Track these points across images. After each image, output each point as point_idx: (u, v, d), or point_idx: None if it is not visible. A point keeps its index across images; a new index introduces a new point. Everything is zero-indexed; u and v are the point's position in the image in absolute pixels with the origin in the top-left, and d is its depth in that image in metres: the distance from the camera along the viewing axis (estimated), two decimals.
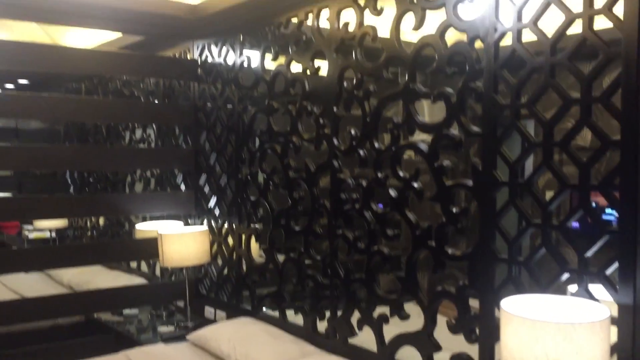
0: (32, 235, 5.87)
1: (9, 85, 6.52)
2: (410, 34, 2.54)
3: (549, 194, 3.75)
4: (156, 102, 4.45)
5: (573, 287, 1.99)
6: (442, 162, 2.36)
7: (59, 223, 5.65)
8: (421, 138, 2.52)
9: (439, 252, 2.38)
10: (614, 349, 1.78)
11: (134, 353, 3.20)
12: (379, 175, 2.66)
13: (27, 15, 3.42)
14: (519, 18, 2.06)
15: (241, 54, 3.62)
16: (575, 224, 2.19)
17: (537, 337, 1.64)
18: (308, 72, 3.08)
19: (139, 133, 4.82)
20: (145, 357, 3.13)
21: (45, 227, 5.70)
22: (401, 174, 2.55)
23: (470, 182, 2.25)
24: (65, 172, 5.95)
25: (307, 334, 3.10)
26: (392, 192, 2.59)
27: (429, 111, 3.18)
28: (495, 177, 2.15)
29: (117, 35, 4.40)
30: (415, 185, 2.49)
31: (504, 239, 2.15)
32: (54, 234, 5.83)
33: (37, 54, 3.51)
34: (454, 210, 2.31)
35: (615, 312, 1.79)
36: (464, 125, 2.26)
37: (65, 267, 3.87)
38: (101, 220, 5.47)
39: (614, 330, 1.78)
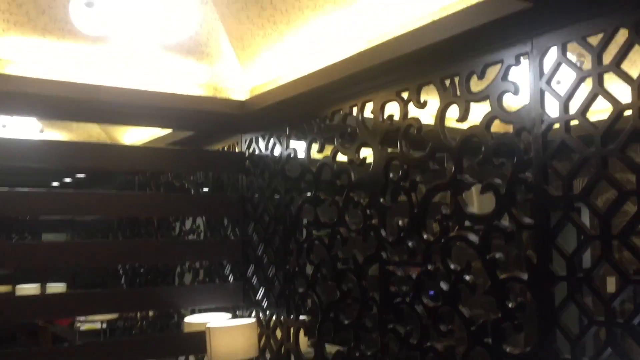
0: (84, 327, 5.93)
1: (67, 179, 6.81)
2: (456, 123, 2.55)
3: (610, 281, 3.58)
4: (205, 190, 4.55)
5: None
6: (495, 255, 2.29)
7: (110, 315, 5.69)
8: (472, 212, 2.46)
9: (497, 351, 2.26)
10: None
11: None
12: (429, 267, 2.60)
13: (88, 117, 3.61)
14: (566, 110, 2.04)
15: (287, 146, 3.69)
16: None
17: None
18: (354, 163, 3.11)
19: (188, 224, 4.90)
20: None
21: (96, 319, 5.75)
22: (452, 266, 2.48)
23: (525, 276, 2.16)
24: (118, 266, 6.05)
25: None
26: (444, 285, 2.51)
27: (477, 198, 3.13)
28: (551, 271, 2.07)
29: (169, 130, 4.58)
30: (467, 278, 2.41)
31: (565, 337, 2.03)
32: (104, 325, 5.87)
33: (93, 153, 3.68)
34: (510, 305, 2.22)
35: None
36: (515, 217, 2.20)
37: None
38: (151, 312, 5.48)
39: None
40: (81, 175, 6.47)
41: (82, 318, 5.89)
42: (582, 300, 2.00)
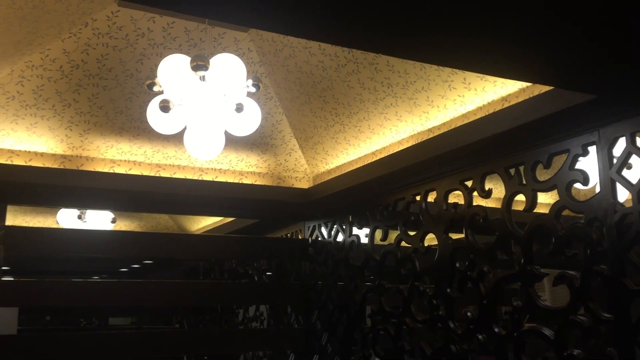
0: None
1: (135, 265, 7.00)
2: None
3: None
4: (269, 278, 4.57)
5: None
6: (573, 352, 2.17)
7: None
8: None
9: None
10: None
11: None
12: None
13: (156, 209, 3.75)
14: None
15: (350, 233, 3.70)
16: None
17: None
18: (418, 251, 3.07)
19: (252, 310, 4.90)
20: None
21: None
22: None
23: None
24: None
25: None
26: None
27: (549, 289, 3.02)
28: None
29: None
30: None
31: None
32: None
33: (159, 243, 3.80)
34: None
35: None
36: (592, 311, 2.10)
37: None
38: None
39: None
40: (148, 262, 6.64)
41: None
42: None
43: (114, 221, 4.66)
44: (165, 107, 2.22)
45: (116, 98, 3.17)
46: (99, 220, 4.53)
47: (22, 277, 5.48)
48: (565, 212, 2.28)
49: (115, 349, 3.57)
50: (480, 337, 2.61)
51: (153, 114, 2.35)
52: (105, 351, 3.57)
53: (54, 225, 4.78)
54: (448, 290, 2.83)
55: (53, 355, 3.34)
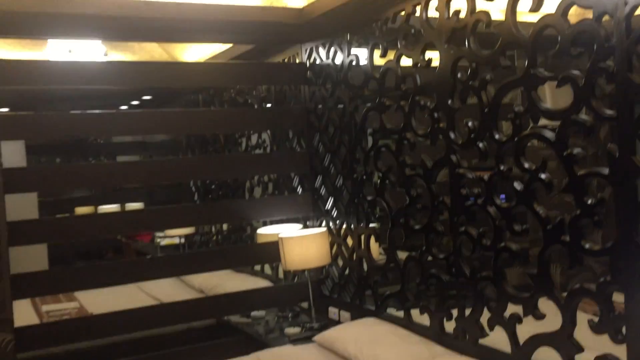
0: (164, 242, 6.23)
1: (135, 102, 6.97)
2: (527, 15, 2.40)
3: None
4: (269, 106, 4.56)
5: None
6: (573, 150, 2.19)
7: (187, 230, 5.95)
8: (542, 123, 2.36)
9: (575, 248, 2.21)
10: None
11: (265, 354, 3.29)
12: (502, 167, 2.53)
13: (147, 37, 3.62)
14: None
15: (349, 53, 3.60)
16: None
17: None
18: (419, 65, 3.00)
19: (254, 139, 4.96)
20: (275, 359, 3.20)
21: (175, 234, 6.03)
22: (526, 165, 2.40)
23: (605, 171, 2.07)
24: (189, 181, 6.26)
25: (435, 335, 3.02)
26: (518, 185, 2.45)
27: (550, 95, 2.98)
28: (634, 164, 1.97)
29: (229, 45, 4.55)
30: (543, 176, 2.34)
31: None
32: (183, 240, 6.15)
33: (156, 72, 3.72)
34: (589, 201, 2.14)
35: None
36: (595, 109, 2.08)
37: (195, 273, 4.07)
38: (225, 226, 5.69)
39: None
40: (147, 97, 6.60)
41: (161, 234, 6.18)
42: None
43: (106, 55, 4.54)
44: None
45: None
46: (91, 54, 4.41)
47: None
48: (574, 11, 2.17)
49: (126, 177, 3.69)
50: (480, 145, 2.64)
51: None
52: (117, 179, 3.69)
53: None
54: (449, 101, 2.81)
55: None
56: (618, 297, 2.10)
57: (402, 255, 3.33)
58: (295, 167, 4.18)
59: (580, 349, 2.27)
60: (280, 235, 3.79)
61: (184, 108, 6.02)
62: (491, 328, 2.70)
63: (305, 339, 3.58)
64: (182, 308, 3.76)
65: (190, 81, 3.88)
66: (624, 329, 2.07)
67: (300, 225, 4.27)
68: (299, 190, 4.30)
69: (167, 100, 6.56)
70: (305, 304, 4.19)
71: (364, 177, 3.57)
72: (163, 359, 3.81)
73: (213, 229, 5.87)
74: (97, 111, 3.61)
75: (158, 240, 6.26)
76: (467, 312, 2.82)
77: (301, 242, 3.73)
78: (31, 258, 5.10)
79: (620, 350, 2.10)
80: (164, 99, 6.55)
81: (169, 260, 4.01)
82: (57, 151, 7.75)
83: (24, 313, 4.17)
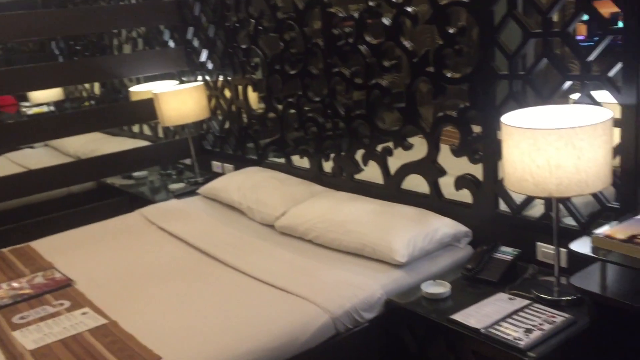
0: (31, 112, 5.80)
1: None
2: None
3: None
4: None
5: (576, 96, 1.95)
6: None
7: (55, 96, 5.56)
8: None
9: (438, 77, 2.31)
10: (617, 150, 1.78)
11: (148, 210, 3.29)
12: (371, 3, 2.52)
13: None
14: None
15: None
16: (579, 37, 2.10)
17: (539, 147, 1.63)
18: None
19: (127, 38, 4.58)
20: (159, 213, 3.22)
21: (42, 101, 5.62)
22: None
23: None
24: (51, 45, 5.74)
25: (314, 176, 3.14)
26: (386, 21, 2.47)
27: None
28: None
29: None
30: (410, 9, 2.36)
31: (504, 55, 2.07)
32: (52, 108, 5.76)
33: None
34: (451, 31, 2.21)
35: (618, 115, 1.76)
36: None
37: (67, 136, 3.83)
38: (97, 90, 5.38)
39: (617, 133, 1.76)
40: None
41: (27, 103, 5.74)
42: (521, 15, 2.00)
43: None
44: None
45: None
46: None
47: None
48: None
49: None
50: None
51: None
52: None
53: None
54: None
55: None
56: (476, 129, 2.27)
57: (280, 105, 3.34)
58: (164, 18, 3.93)
59: (443, 172, 2.46)
60: (154, 91, 3.65)
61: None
62: (365, 163, 2.84)
63: (190, 193, 3.60)
64: (56, 172, 3.60)
65: None
66: (480, 150, 2.25)
67: (177, 82, 4.12)
68: (171, 44, 4.09)
69: None
70: (188, 161, 4.16)
71: (237, 24, 3.44)
72: (42, 225, 3.66)
73: (84, 93, 5.54)
74: None
75: (24, 109, 5.83)
76: (343, 152, 2.93)
77: (176, 96, 3.62)
78: None
79: (477, 170, 2.30)
80: None
81: (37, 123, 3.76)
82: None
83: None
